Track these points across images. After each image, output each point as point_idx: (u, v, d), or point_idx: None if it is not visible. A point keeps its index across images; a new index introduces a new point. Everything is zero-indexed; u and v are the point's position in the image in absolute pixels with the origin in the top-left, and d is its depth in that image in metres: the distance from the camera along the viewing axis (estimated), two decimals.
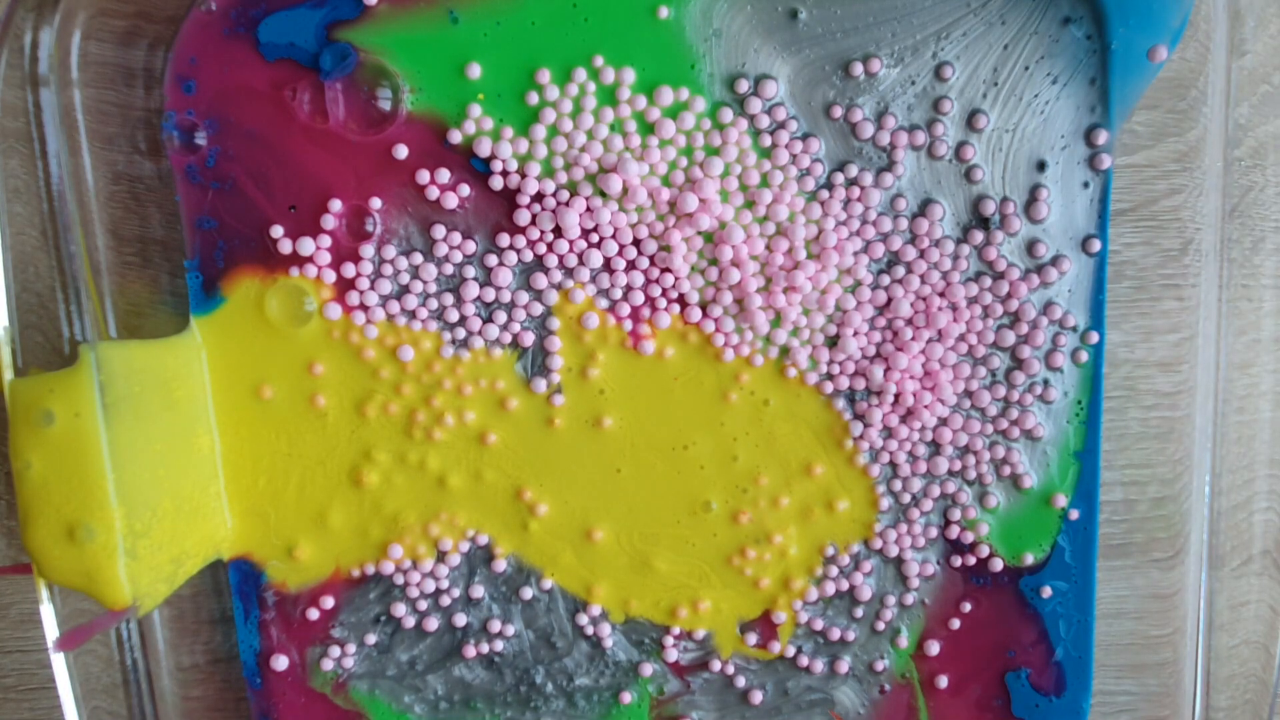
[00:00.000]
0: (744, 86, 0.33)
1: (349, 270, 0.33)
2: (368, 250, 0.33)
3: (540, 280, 0.34)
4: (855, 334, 0.34)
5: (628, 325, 0.34)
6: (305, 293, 0.33)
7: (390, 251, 0.33)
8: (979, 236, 0.34)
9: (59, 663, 0.32)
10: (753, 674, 0.36)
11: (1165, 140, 0.34)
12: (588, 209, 0.33)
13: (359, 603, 0.35)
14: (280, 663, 0.35)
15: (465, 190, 0.33)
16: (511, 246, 0.33)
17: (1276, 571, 0.36)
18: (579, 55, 0.32)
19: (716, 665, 0.36)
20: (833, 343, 0.34)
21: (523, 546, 0.35)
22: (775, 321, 0.34)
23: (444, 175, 0.33)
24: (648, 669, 0.36)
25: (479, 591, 0.35)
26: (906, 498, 0.35)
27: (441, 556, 0.35)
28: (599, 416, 0.34)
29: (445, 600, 0.35)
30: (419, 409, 0.34)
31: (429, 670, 0.36)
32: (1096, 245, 0.34)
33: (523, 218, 0.33)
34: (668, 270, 0.34)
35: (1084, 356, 0.34)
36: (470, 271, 0.34)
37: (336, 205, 0.33)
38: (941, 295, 0.34)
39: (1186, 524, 0.36)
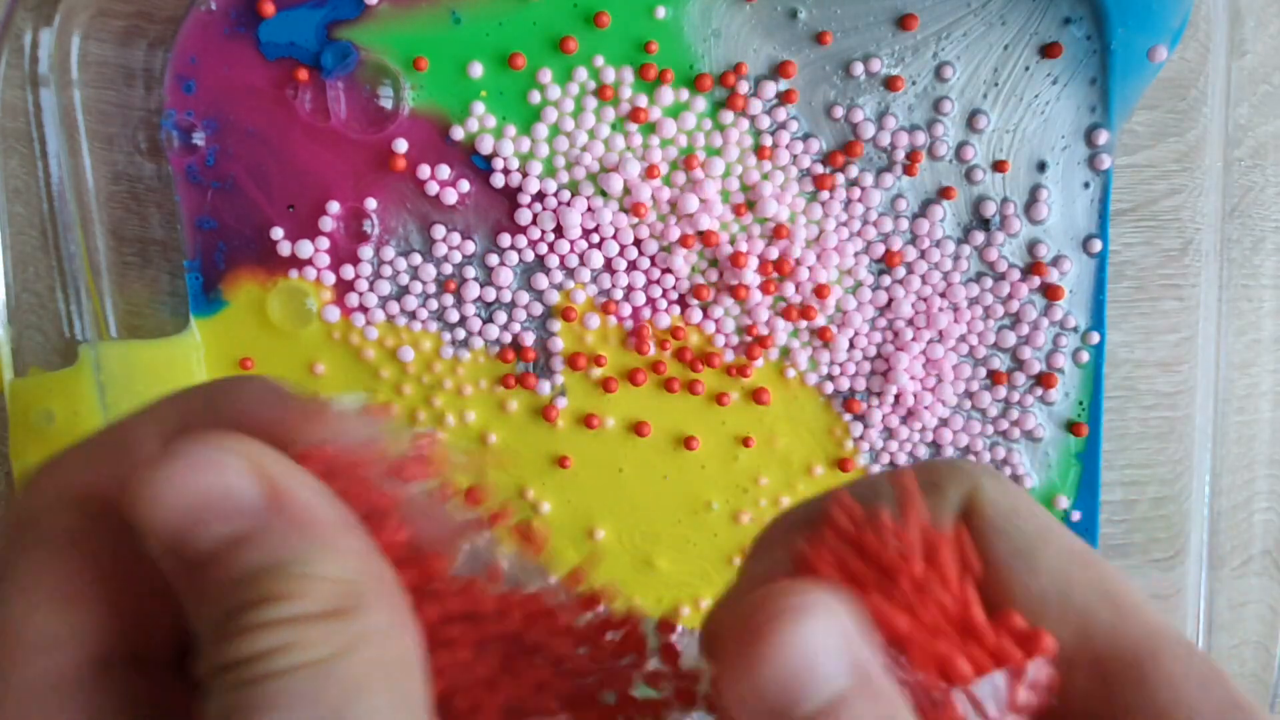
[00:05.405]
0: (744, 87, 0.33)
1: (348, 272, 0.33)
2: (366, 252, 0.33)
3: (541, 280, 0.34)
4: (856, 334, 0.34)
5: (629, 325, 0.34)
6: (306, 293, 0.33)
7: (389, 253, 0.33)
8: (980, 237, 0.34)
9: None
10: None
11: (1165, 140, 0.34)
12: (589, 209, 0.33)
13: None
14: None
15: (465, 186, 0.33)
16: (512, 246, 0.33)
17: (1276, 571, 0.36)
18: (580, 55, 0.32)
19: None
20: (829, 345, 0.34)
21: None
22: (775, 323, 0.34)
23: (445, 171, 0.33)
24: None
25: None
26: None
27: None
28: (600, 416, 0.34)
29: None
30: (420, 409, 0.34)
31: None
32: (1097, 245, 0.34)
33: (524, 217, 0.33)
34: (668, 270, 0.34)
35: (1085, 357, 0.34)
36: (470, 271, 0.33)
37: (335, 207, 0.33)
38: (942, 296, 0.34)
39: (1186, 524, 0.36)
